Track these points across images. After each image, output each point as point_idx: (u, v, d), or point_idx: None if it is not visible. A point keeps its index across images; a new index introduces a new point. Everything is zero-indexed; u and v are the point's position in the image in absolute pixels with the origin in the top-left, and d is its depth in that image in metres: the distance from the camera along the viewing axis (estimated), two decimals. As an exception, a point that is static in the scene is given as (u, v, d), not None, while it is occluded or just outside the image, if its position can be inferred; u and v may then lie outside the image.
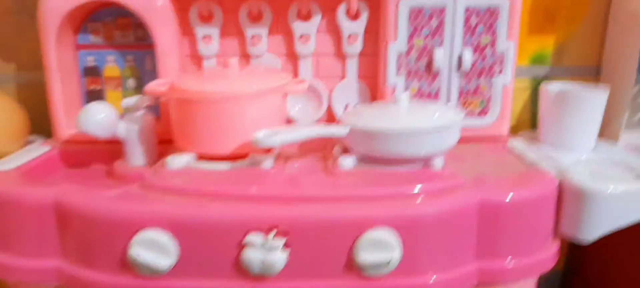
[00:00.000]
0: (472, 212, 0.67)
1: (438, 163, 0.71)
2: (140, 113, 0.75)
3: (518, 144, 0.87)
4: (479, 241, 0.68)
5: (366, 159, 0.73)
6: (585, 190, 0.71)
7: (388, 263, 0.63)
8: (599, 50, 1.01)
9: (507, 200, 0.67)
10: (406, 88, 0.86)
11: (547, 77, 1.01)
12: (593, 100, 0.84)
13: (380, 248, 0.63)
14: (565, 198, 0.74)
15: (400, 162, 0.71)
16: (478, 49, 0.85)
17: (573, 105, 0.84)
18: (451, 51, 0.85)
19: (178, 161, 0.70)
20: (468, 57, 0.84)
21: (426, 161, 0.72)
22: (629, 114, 0.98)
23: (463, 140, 0.87)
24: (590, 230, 0.72)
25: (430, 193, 0.66)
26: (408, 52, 0.85)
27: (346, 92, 0.91)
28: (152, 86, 0.72)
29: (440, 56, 0.84)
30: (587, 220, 0.72)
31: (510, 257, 0.69)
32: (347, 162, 0.72)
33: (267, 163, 0.70)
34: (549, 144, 0.88)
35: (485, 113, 0.88)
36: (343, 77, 0.90)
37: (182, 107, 0.70)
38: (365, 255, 0.63)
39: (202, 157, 0.72)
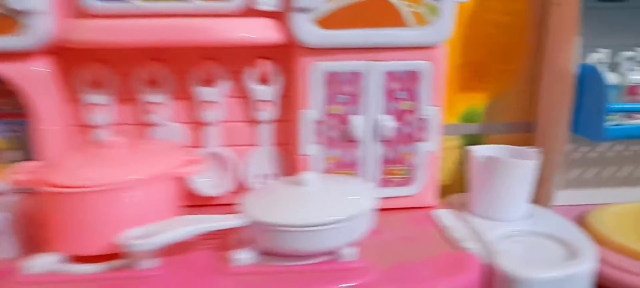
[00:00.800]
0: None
1: (349, 253, 0.63)
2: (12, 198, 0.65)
3: (444, 215, 0.80)
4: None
5: (268, 252, 0.64)
6: (513, 276, 0.65)
7: None
8: (532, 106, 0.96)
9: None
10: (324, 157, 0.78)
11: (480, 135, 0.96)
12: (523, 167, 0.79)
13: None
14: (493, 283, 0.67)
15: (306, 257, 0.63)
16: (399, 116, 0.78)
17: (502, 173, 0.78)
18: (370, 118, 0.77)
19: (38, 264, 0.60)
20: (389, 124, 0.77)
21: (335, 252, 0.64)
22: (562, 173, 0.93)
23: (387, 210, 0.80)
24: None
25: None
26: (324, 120, 0.77)
27: (260, 161, 0.82)
28: (16, 173, 0.62)
29: (359, 124, 0.77)
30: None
31: None
32: (244, 257, 0.63)
33: (149, 263, 0.60)
34: (478, 212, 0.82)
35: (410, 182, 0.81)
36: (256, 145, 0.82)
37: (46, 198, 0.60)
38: None
39: (74, 257, 0.62)
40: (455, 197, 0.90)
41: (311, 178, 0.65)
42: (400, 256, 0.67)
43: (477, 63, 0.92)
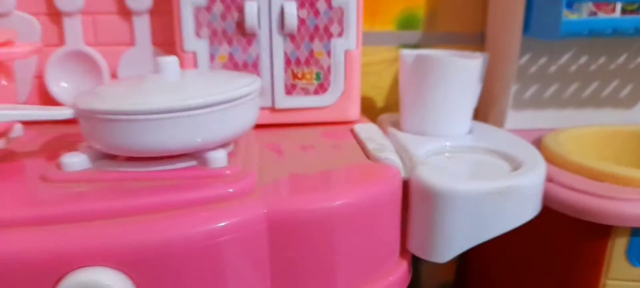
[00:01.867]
0: (261, 231, 0.43)
1: (218, 158, 0.47)
2: None
3: (366, 130, 0.64)
4: (279, 272, 0.45)
5: (108, 156, 0.48)
6: (434, 189, 0.50)
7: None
8: (483, 14, 0.80)
9: (317, 210, 0.44)
10: (212, 55, 0.62)
11: (420, 45, 0.80)
12: (461, 70, 0.63)
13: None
14: (413, 201, 0.52)
15: (155, 159, 0.47)
16: (307, 3, 0.61)
17: (437, 77, 0.63)
18: (270, 4, 0.61)
19: None
20: (292, 12, 0.61)
21: (200, 155, 0.48)
22: (516, 91, 0.78)
23: (295, 125, 0.65)
24: (442, 246, 0.51)
25: (191, 207, 0.42)
26: (209, 6, 0.60)
27: (137, 64, 0.65)
28: None
29: (253, 11, 0.60)
30: (438, 231, 0.50)
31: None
32: (73, 162, 0.46)
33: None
34: (410, 128, 0.66)
35: (325, 90, 0.65)
36: (132, 43, 0.65)
37: None
38: (63, 315, 0.38)
39: None
40: (385, 116, 0.74)
41: (169, 62, 0.49)
42: (295, 167, 0.52)
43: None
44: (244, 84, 0.48)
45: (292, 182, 0.48)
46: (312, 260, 0.45)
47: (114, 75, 0.65)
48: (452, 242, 0.51)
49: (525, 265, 0.74)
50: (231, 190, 0.43)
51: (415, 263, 0.56)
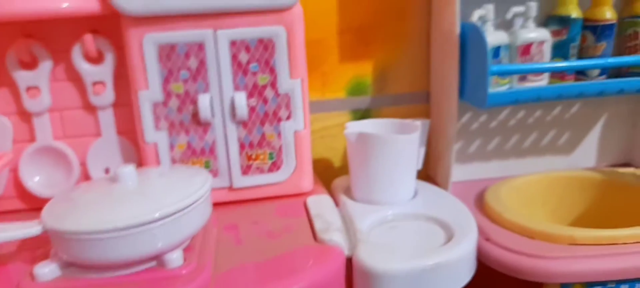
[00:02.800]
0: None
1: (174, 259, 0.53)
2: None
3: (317, 204, 0.70)
4: None
5: (76, 264, 0.53)
6: (371, 271, 0.56)
7: None
8: (428, 74, 0.87)
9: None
10: (171, 145, 0.68)
11: (370, 109, 0.86)
12: (401, 144, 0.69)
13: None
14: (355, 280, 0.58)
15: (121, 266, 0.52)
16: (256, 92, 0.67)
17: (377, 151, 0.69)
18: (221, 96, 0.67)
19: None
20: (242, 102, 0.67)
21: (159, 257, 0.53)
22: (460, 146, 0.85)
23: (253, 201, 0.71)
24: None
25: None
26: (166, 101, 0.66)
27: (105, 153, 0.71)
28: None
29: (206, 104, 0.66)
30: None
31: None
32: (45, 272, 0.52)
33: None
34: (358, 196, 0.72)
35: (278, 167, 0.71)
36: (98, 134, 0.70)
37: None
38: None
39: None
40: (338, 181, 0.80)
41: (127, 173, 0.54)
42: (247, 255, 0.58)
43: (361, 27, 0.82)
44: (198, 188, 0.54)
45: (243, 273, 0.54)
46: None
47: (83, 164, 0.70)
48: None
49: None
50: (185, 292, 0.49)
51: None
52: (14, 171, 0.70)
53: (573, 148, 0.90)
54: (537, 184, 0.85)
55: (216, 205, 0.68)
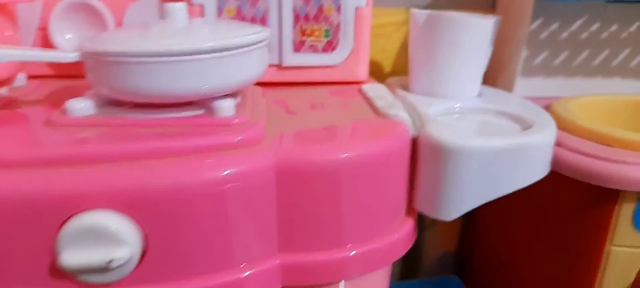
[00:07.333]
0: (268, 181, 0.43)
1: (226, 107, 0.46)
2: None
3: (375, 89, 0.63)
4: (286, 224, 0.44)
5: (114, 103, 0.47)
6: (443, 145, 0.49)
7: (108, 264, 0.38)
8: (495, -24, 0.79)
9: (325, 161, 0.44)
10: (219, 9, 0.61)
11: (430, 7, 0.78)
12: (473, 30, 0.62)
13: (95, 241, 0.38)
14: (421, 158, 0.52)
15: (162, 106, 0.46)
16: (318, -45, 0.60)
17: (447, 36, 0.62)
18: (279, -44, 0.60)
19: None
20: (302, -36, 0.59)
21: (208, 104, 0.47)
22: (527, 56, 0.77)
23: (303, 84, 0.64)
24: (450, 204, 0.50)
25: (198, 154, 0.41)
26: (217, -45, 0.59)
27: (144, 16, 0.64)
28: None
29: (262, -38, 0.59)
30: (446, 188, 0.50)
31: (348, 243, 0.46)
32: (79, 107, 0.46)
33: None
34: (419, 89, 0.66)
35: (334, 48, 0.64)
36: (137, -6, 0.63)
37: None
38: (68, 255, 0.38)
39: None
40: (394, 79, 0.73)
41: (177, 8, 0.48)
42: (302, 123, 0.51)
43: None
44: (252, 32, 0.47)
45: (299, 136, 0.48)
46: (318, 212, 0.45)
47: (120, 26, 0.64)
48: (460, 199, 0.50)
49: (529, 231, 0.73)
50: (239, 139, 0.43)
51: (419, 232, 0.56)
52: (43, 29, 0.63)
53: (650, 71, 0.82)
54: (603, 105, 0.77)
55: (262, 84, 0.62)
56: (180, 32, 0.46)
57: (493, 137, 0.50)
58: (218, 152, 0.42)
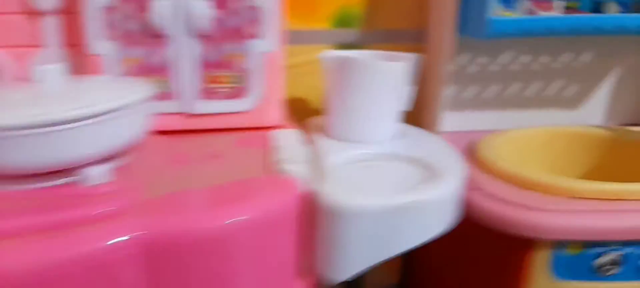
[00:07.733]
0: (132, 255, 0.41)
1: (94, 175, 0.44)
2: None
3: (285, 136, 0.61)
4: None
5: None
6: (331, 204, 0.47)
7: None
8: (423, 10, 0.77)
9: (198, 230, 0.42)
10: (120, 58, 0.59)
11: (357, 44, 0.77)
12: (379, 72, 0.60)
13: None
14: (317, 216, 0.50)
15: (28, 177, 0.44)
16: (221, 2, 0.58)
17: (355, 79, 0.60)
18: (179, 4, 0.58)
19: None
20: (203, 12, 0.58)
21: (79, 171, 0.45)
22: (455, 91, 0.76)
23: (212, 131, 0.62)
24: (339, 264, 0.49)
25: (51, 230, 0.40)
26: (117, 6, 0.57)
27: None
28: None
29: (163, 11, 0.57)
30: (335, 247, 0.48)
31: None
32: (-57, 179, 0.44)
33: None
34: (335, 133, 0.64)
35: (243, 94, 0.62)
36: (39, 45, 0.62)
37: None
38: None
39: None
40: (316, 119, 0.72)
41: (51, 71, 0.46)
42: (190, 181, 0.49)
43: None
44: (123, 95, 0.45)
45: (178, 200, 0.46)
46: (192, 283, 0.43)
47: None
48: (350, 259, 0.49)
49: (458, 272, 0.72)
50: (99, 212, 0.41)
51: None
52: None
53: (580, 102, 0.81)
54: (537, 138, 0.76)
55: (170, 132, 0.61)
56: (41, 99, 0.44)
57: (386, 196, 0.49)
58: (74, 228, 0.40)
